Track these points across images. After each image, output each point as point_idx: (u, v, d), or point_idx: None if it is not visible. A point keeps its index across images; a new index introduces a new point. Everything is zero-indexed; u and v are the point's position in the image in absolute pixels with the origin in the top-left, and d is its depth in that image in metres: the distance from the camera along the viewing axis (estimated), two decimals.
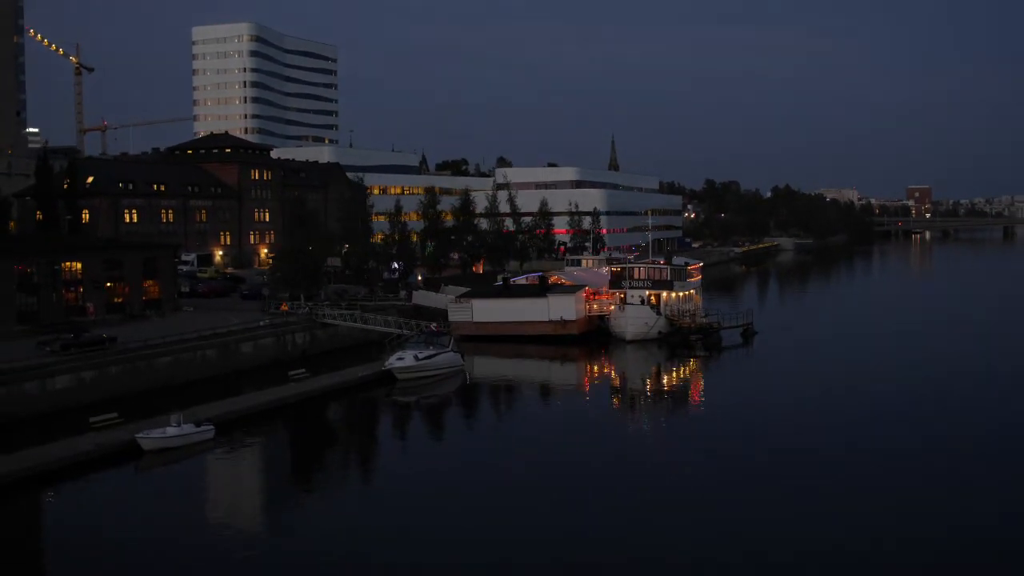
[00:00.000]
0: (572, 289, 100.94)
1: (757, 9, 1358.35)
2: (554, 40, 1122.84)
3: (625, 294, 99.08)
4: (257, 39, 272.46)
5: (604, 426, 64.57)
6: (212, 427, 56.39)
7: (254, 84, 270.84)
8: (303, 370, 74.00)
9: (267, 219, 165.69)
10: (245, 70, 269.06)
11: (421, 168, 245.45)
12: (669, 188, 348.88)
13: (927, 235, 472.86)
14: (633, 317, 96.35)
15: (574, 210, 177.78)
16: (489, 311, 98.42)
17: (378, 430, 66.97)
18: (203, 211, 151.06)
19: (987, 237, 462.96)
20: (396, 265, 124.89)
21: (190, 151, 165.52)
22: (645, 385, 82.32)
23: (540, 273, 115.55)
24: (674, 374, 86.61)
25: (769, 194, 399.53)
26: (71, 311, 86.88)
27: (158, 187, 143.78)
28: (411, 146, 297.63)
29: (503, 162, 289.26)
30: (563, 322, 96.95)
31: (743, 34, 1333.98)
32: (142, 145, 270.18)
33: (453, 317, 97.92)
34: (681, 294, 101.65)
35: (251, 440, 60.24)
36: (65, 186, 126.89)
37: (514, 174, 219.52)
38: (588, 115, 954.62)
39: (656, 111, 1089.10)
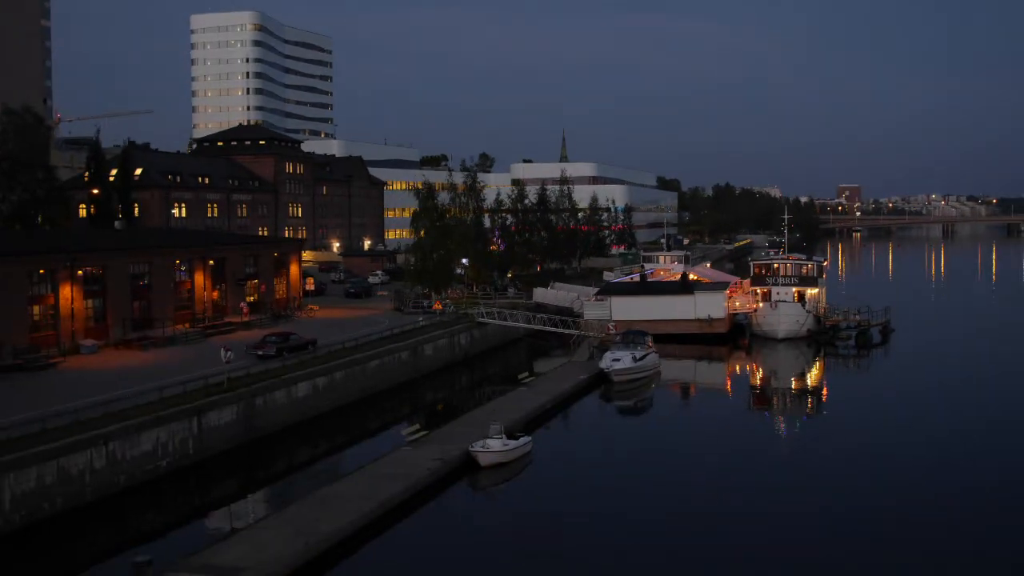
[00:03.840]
0: (719, 286, 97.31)
1: None
2: (456, 28, 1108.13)
3: (770, 291, 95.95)
4: (260, 28, 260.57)
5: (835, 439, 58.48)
6: (530, 439, 51.16)
7: (257, 75, 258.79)
8: (526, 373, 68.85)
9: (300, 214, 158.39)
10: (248, 60, 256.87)
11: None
12: None
13: (857, 235, 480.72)
14: (785, 315, 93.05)
15: (609, 206, 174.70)
16: (629, 308, 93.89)
17: (641, 432, 62.19)
18: (244, 205, 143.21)
19: (927, 235, 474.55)
20: (464, 261, 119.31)
21: (220, 143, 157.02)
22: (839, 391, 75.99)
23: (646, 271, 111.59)
24: (866, 378, 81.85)
25: (711, 192, 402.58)
26: (219, 310, 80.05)
27: (202, 180, 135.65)
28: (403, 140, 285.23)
29: (486, 158, 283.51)
30: (710, 320, 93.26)
31: (650, 21, 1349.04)
32: (113, 138, 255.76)
33: (589, 315, 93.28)
34: (816, 291, 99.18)
35: (566, 451, 55.05)
36: (111, 177, 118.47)
37: (527, 169, 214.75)
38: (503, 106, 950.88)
39: (584, 105, 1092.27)
